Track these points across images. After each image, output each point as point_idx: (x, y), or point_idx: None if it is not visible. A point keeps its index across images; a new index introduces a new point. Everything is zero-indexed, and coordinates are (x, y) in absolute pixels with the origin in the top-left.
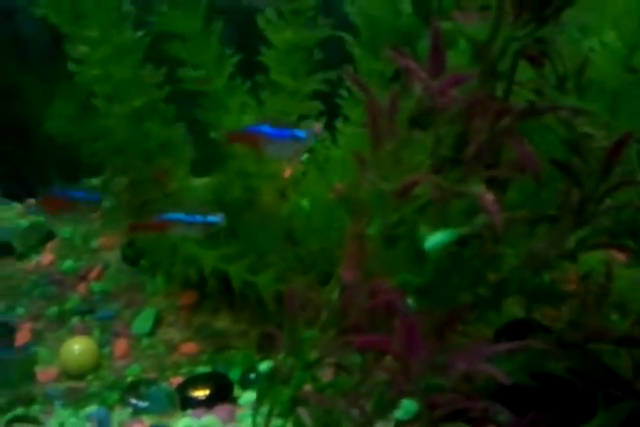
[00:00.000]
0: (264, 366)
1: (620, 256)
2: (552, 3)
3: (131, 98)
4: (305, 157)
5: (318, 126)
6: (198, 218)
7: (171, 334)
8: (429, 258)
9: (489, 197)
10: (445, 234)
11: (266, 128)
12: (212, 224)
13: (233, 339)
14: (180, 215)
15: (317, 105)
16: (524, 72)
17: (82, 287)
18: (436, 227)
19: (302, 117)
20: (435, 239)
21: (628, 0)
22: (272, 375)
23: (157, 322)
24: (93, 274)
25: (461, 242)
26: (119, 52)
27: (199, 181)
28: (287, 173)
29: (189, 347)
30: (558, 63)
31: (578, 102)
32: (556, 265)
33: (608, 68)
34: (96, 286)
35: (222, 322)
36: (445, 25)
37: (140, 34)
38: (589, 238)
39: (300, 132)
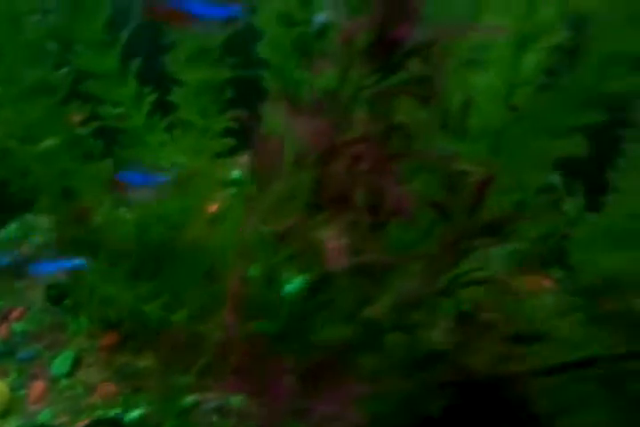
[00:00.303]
0: (135, 413)
1: (545, 282)
2: (398, 52)
3: (44, 138)
4: (232, 191)
5: (246, 159)
6: (61, 263)
7: (90, 375)
8: (285, 303)
9: (330, 243)
10: (301, 279)
11: (123, 175)
12: (76, 267)
13: (152, 379)
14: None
15: (229, 142)
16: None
17: (3, 328)
18: (302, 271)
19: (218, 154)
20: (291, 285)
21: (507, 39)
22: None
23: (77, 363)
24: (16, 314)
25: (314, 288)
26: (31, 92)
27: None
28: (212, 208)
29: (107, 388)
30: (442, 104)
31: (458, 142)
32: (431, 303)
33: (490, 107)
34: (18, 327)
35: (143, 362)
36: (305, 74)
37: (63, 71)
38: (463, 275)
39: (151, 177)
